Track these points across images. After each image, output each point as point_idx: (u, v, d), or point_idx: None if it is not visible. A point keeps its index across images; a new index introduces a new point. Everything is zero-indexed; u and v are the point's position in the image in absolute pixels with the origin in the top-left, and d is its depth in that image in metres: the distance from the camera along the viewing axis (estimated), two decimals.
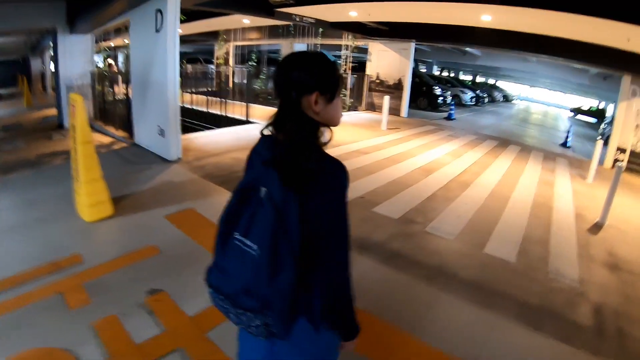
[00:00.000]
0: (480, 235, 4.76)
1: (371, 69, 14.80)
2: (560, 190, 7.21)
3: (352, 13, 9.59)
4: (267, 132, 1.32)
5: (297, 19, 10.25)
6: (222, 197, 4.95)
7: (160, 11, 6.48)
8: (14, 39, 15.96)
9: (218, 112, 11.63)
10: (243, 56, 20.09)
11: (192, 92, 12.44)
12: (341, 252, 1.26)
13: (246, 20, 13.83)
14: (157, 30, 6.61)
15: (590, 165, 8.49)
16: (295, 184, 1.16)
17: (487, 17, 8.45)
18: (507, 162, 8.84)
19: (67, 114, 10.02)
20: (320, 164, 1.20)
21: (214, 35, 19.48)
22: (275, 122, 1.28)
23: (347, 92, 14.40)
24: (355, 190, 5.76)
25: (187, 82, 12.84)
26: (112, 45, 15.03)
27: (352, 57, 15.28)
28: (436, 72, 31.63)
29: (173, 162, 6.53)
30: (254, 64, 17.55)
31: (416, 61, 29.06)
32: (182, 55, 25.59)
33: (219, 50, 19.87)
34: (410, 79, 14.06)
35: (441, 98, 17.64)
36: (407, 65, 13.67)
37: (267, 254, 1.15)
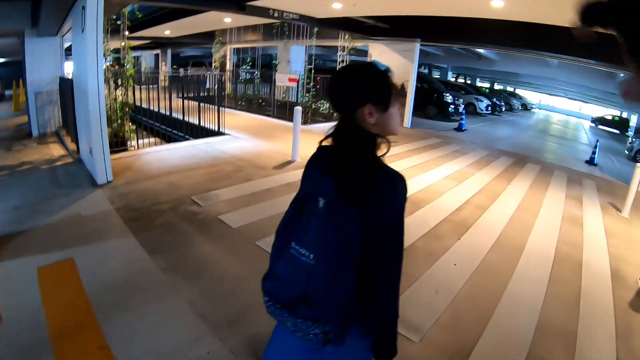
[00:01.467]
0: (466, 329, 2.97)
1: None
2: (591, 230, 5.34)
3: (336, 5, 7.94)
4: (326, 142, 1.34)
5: (276, 15, 8.64)
6: (115, 243, 3.96)
7: (84, 8, 5.29)
8: (10, 41, 15.29)
9: (194, 121, 10.14)
10: (244, 60, 18.75)
11: (184, 98, 11.11)
12: (393, 267, 1.27)
13: (227, 19, 12.28)
14: (82, 31, 5.45)
15: (623, 191, 6.73)
16: (352, 195, 1.20)
17: (498, 3, 6.68)
18: (523, 187, 6.98)
19: (36, 122, 9.41)
20: (376, 175, 1.23)
21: (212, 37, 18.22)
22: (334, 133, 1.31)
23: None
24: None
25: (184, 86, 11.48)
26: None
27: (353, 60, 13.67)
28: (451, 79, 29.67)
29: (99, 187, 5.47)
30: (249, 67, 16.08)
31: (429, 66, 27.30)
32: (188, 58, 24.88)
33: (216, 53, 18.57)
34: (415, 85, 12.24)
35: (452, 106, 15.71)
36: (411, 69, 11.86)
37: (323, 263, 1.20)
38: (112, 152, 7.29)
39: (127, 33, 8.67)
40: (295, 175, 6.38)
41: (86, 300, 2.99)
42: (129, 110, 8.32)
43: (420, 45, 11.81)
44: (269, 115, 12.97)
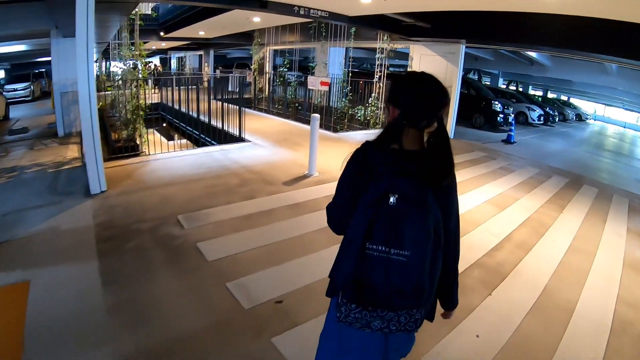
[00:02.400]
0: None
1: None
2: None
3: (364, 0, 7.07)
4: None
5: (302, 12, 7.87)
6: (77, 267, 3.45)
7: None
8: None
9: (219, 125, 9.59)
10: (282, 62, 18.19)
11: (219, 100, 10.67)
12: (459, 236, 1.53)
13: (256, 18, 11.61)
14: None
15: None
16: (443, 189, 1.39)
17: None
18: (577, 218, 5.79)
19: (62, 122, 9.37)
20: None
21: (251, 38, 17.85)
22: (430, 140, 1.43)
23: (381, 105, 11.78)
24: (280, 282, 3.39)
25: (220, 88, 11.04)
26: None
27: (394, 64, 12.74)
28: (502, 86, 27.70)
29: (91, 197, 5.08)
30: (285, 69, 15.45)
31: (479, 72, 25.73)
32: (234, 60, 24.67)
33: (255, 55, 18.11)
34: (459, 91, 11.03)
35: (501, 115, 14.30)
36: (455, 74, 10.67)
37: (420, 256, 1.28)
38: (122, 157, 7.06)
39: (163, 34, 8.27)
40: (306, 194, 5.60)
41: (21, 336, 2.60)
42: (142, 113, 7.91)
43: (466, 47, 10.64)
44: (301, 121, 12.24)
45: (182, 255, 3.71)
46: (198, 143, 10.30)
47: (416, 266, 1.26)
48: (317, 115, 6.46)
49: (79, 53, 4.89)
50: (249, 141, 8.58)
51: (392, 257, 1.25)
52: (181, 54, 29.99)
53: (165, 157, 7.16)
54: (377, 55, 11.68)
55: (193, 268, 3.50)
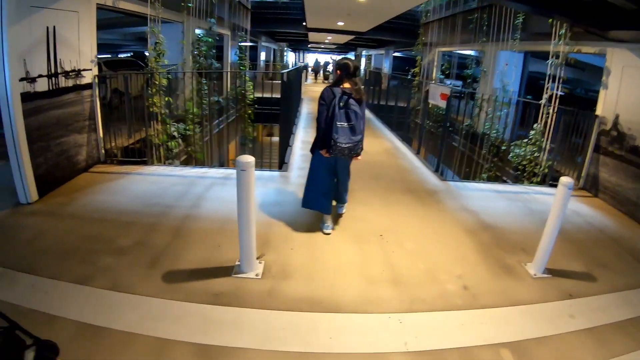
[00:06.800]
0: None
1: (605, 106, 6.59)
2: None
3: None
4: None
5: None
6: None
7: None
8: None
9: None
10: (459, 66, 14.43)
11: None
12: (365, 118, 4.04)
13: None
14: None
15: None
16: (362, 104, 3.82)
17: None
18: None
19: None
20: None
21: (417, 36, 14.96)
22: (341, 83, 3.84)
23: (546, 145, 7.56)
24: None
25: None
26: None
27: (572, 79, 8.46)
28: None
29: (10, 208, 4.28)
30: (442, 76, 12.06)
31: None
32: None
33: (423, 56, 14.94)
34: None
35: None
36: None
37: (360, 123, 3.78)
38: (122, 161, 6.03)
39: (306, 24, 7.52)
40: (158, 312, 3.01)
41: None
42: (196, 110, 6.69)
43: None
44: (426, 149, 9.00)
45: None
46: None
47: (358, 127, 3.71)
48: (247, 161, 3.01)
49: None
50: (284, 171, 6.28)
51: (347, 125, 3.67)
52: (366, 52, 28.51)
53: (150, 172, 5.86)
54: (549, 61, 7.55)
55: None
